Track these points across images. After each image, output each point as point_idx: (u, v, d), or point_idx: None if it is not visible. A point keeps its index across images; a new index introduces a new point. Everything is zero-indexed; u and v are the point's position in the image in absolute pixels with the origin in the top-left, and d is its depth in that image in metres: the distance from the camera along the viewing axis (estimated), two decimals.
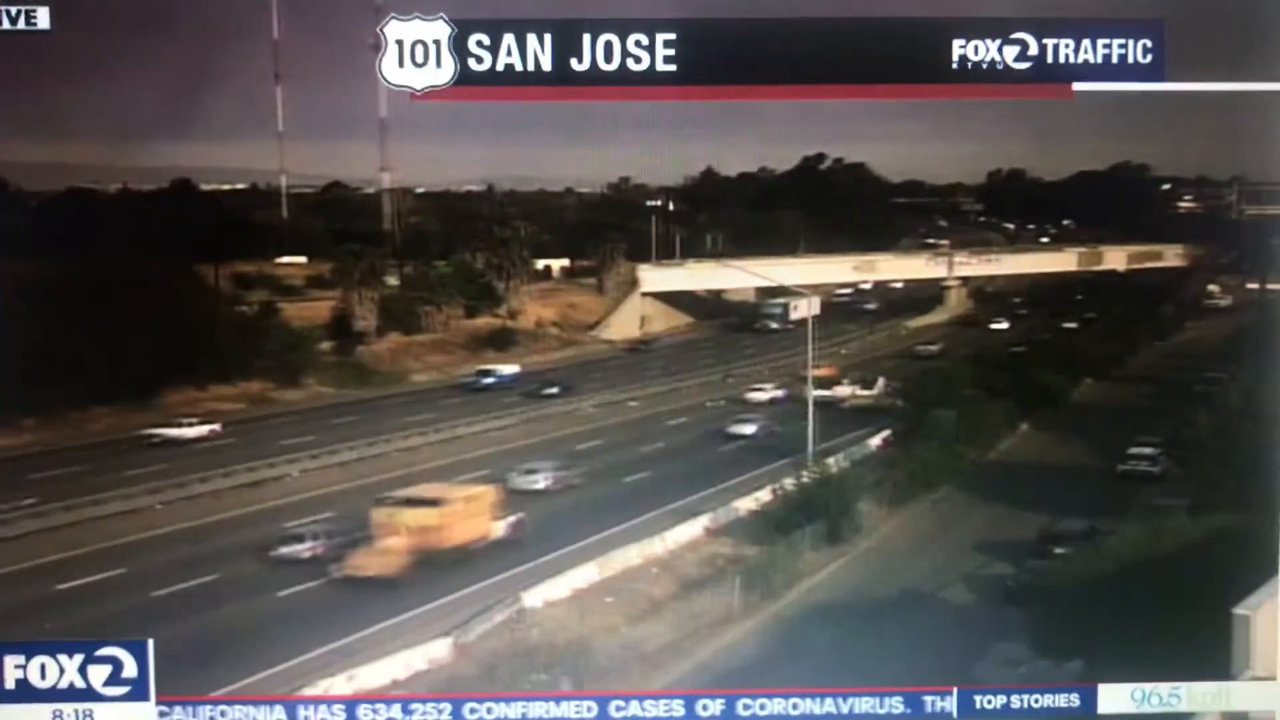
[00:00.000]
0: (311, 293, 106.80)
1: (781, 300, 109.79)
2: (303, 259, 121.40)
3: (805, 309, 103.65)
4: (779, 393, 76.17)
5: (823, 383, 69.42)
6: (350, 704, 25.20)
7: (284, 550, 46.61)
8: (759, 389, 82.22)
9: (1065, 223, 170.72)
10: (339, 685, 35.01)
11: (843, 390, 76.57)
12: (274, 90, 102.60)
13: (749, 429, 69.29)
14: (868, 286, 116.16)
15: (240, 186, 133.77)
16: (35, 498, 53.09)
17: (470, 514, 46.02)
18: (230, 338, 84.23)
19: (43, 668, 24.15)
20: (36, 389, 66.31)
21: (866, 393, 78.26)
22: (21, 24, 25.13)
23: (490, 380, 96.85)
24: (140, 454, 62.56)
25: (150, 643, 24.43)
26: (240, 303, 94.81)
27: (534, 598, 42.06)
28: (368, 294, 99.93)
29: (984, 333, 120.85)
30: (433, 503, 45.18)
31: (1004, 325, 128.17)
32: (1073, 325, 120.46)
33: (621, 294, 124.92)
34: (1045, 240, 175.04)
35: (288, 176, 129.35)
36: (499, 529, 46.06)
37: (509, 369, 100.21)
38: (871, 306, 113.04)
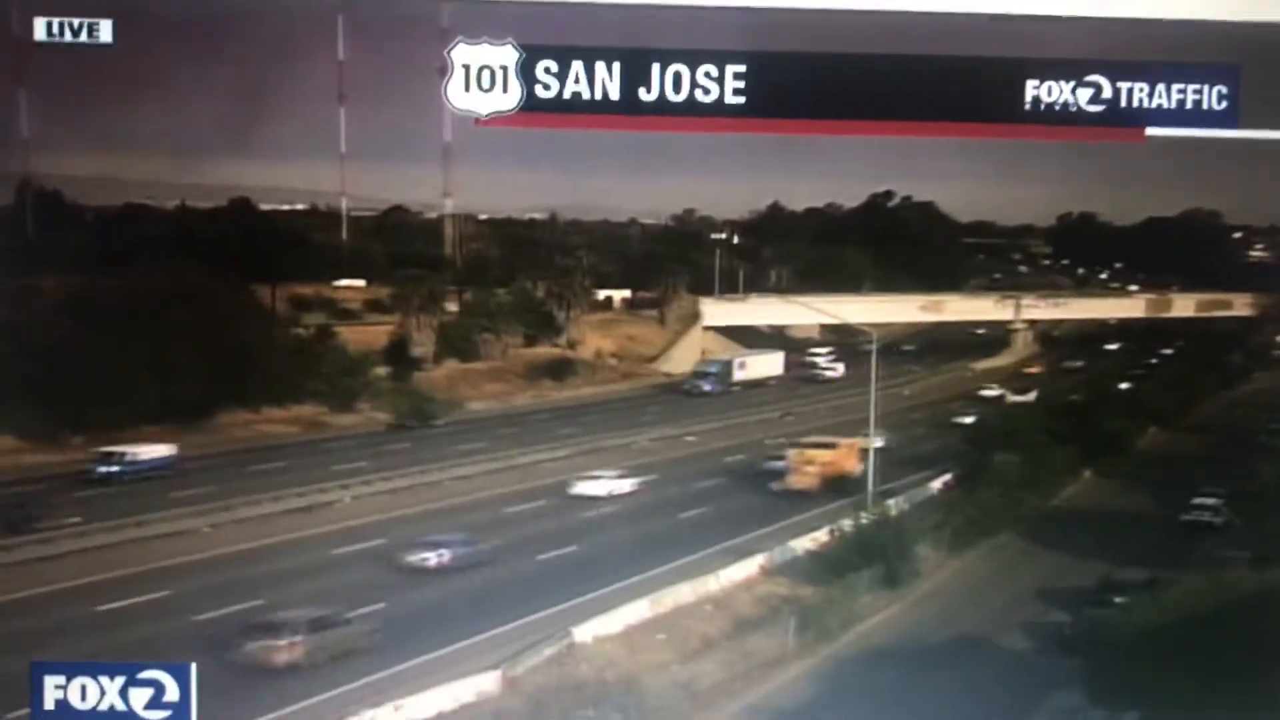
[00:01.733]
0: (369, 317, 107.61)
1: (722, 358, 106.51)
2: (361, 282, 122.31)
3: (762, 368, 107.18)
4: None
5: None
6: None
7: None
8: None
9: (1134, 269, 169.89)
10: (385, 715, 34.90)
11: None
12: (338, 111, 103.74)
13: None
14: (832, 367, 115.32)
15: (300, 207, 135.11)
16: (79, 517, 53.49)
17: (848, 455, 64.71)
18: (285, 360, 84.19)
19: (83, 689, 23.80)
20: (86, 407, 67.03)
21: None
22: (84, 37, 25.13)
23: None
24: (188, 476, 62.74)
25: (193, 667, 24.21)
26: (296, 325, 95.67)
27: (584, 632, 42.02)
28: (426, 320, 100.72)
29: (1050, 377, 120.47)
30: (831, 446, 65.13)
31: (1077, 365, 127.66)
32: (1140, 372, 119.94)
33: (683, 327, 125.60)
34: (1114, 285, 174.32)
35: (348, 199, 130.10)
36: (859, 468, 61.57)
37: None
38: (835, 374, 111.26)
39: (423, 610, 43.64)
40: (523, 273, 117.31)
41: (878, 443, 61.96)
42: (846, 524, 51.30)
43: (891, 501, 55.22)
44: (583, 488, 61.96)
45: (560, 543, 53.02)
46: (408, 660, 39.58)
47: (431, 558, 47.42)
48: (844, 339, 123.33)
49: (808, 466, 64.43)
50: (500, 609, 43.05)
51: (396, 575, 47.38)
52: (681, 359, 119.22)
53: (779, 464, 65.96)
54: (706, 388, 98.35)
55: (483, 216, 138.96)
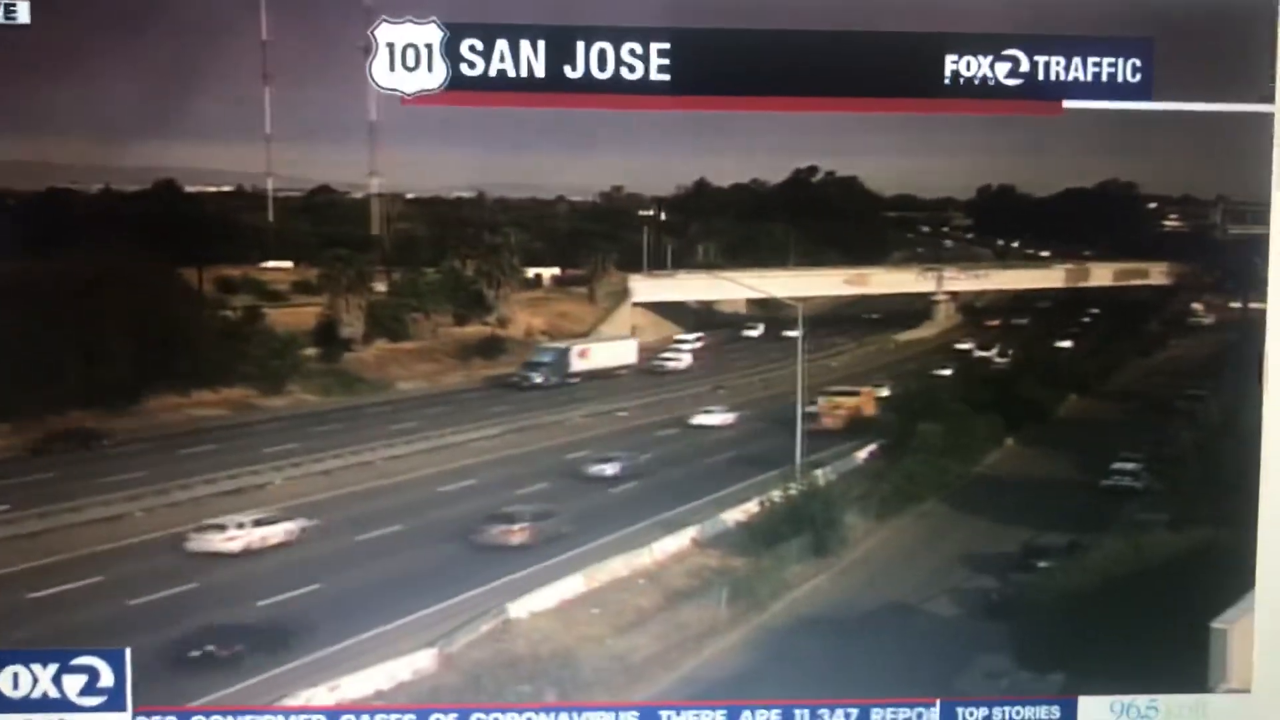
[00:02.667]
0: (297, 298, 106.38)
1: (556, 345, 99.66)
2: (289, 264, 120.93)
3: (607, 357, 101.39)
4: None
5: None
6: (332, 714, 25.01)
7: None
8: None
9: (1052, 239, 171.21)
10: (321, 696, 35.02)
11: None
12: (263, 91, 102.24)
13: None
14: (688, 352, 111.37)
15: (226, 189, 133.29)
16: (7, 504, 52.85)
17: (868, 401, 75.58)
18: (213, 343, 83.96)
19: (15, 677, 23.70)
20: (12, 392, 65.25)
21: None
22: (1, 18, 25.02)
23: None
24: (120, 460, 62.59)
25: (128, 652, 24.27)
26: (224, 307, 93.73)
27: (519, 608, 41.88)
28: (355, 300, 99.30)
29: (971, 347, 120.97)
30: (854, 394, 77.34)
31: (967, 347, 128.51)
32: (1061, 343, 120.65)
33: (612, 304, 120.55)
34: (1033, 255, 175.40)
35: (275, 179, 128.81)
36: (874, 410, 72.23)
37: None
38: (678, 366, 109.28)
39: None
40: (451, 252, 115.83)
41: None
42: (775, 495, 51.74)
43: (819, 471, 55.47)
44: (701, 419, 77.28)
45: None
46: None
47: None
48: (770, 313, 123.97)
49: (837, 410, 75.05)
50: None
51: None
52: (611, 335, 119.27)
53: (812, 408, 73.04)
54: (537, 379, 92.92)
55: (410, 196, 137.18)
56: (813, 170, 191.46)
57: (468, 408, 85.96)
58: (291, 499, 56.71)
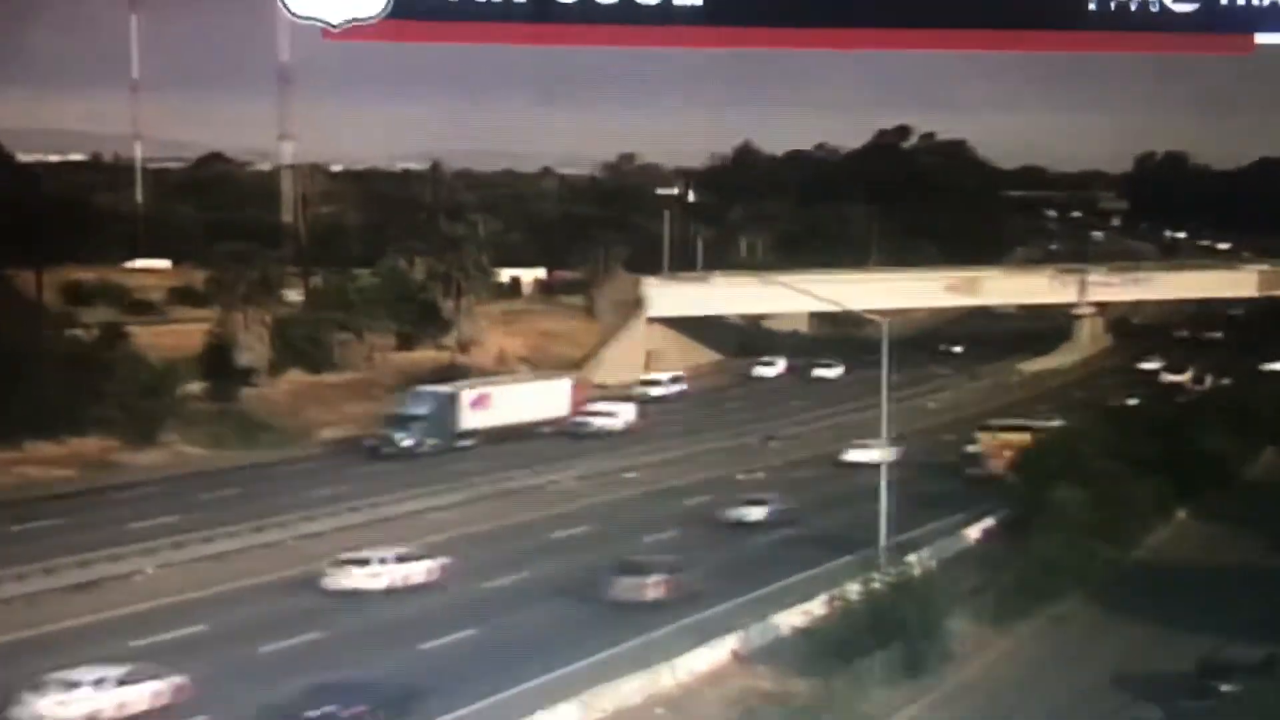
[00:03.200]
0: (176, 312, 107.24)
1: (439, 389, 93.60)
2: (165, 263, 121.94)
3: (518, 407, 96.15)
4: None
5: None
6: None
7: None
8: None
9: (1239, 229, 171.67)
10: None
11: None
12: (128, 21, 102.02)
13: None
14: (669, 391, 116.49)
15: (76, 158, 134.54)
16: None
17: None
18: (58, 375, 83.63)
19: None
20: None
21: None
22: None
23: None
24: None
25: None
26: (73, 324, 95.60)
27: None
28: (257, 315, 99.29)
29: (1126, 380, 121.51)
30: (1026, 428, 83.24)
31: (1155, 367, 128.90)
32: (1256, 372, 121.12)
33: (620, 319, 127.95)
34: (1211, 250, 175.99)
35: (144, 144, 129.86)
36: None
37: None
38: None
39: None
40: (394, 247, 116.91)
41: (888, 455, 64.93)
42: (851, 590, 51.15)
43: (913, 557, 54.58)
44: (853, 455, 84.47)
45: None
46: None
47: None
48: (843, 331, 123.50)
49: (1005, 451, 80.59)
50: None
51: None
52: (618, 363, 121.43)
53: (972, 449, 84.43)
54: (406, 442, 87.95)
55: (336, 168, 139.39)
56: (903, 132, 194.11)
57: (417, 465, 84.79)
58: (173, 594, 56.44)
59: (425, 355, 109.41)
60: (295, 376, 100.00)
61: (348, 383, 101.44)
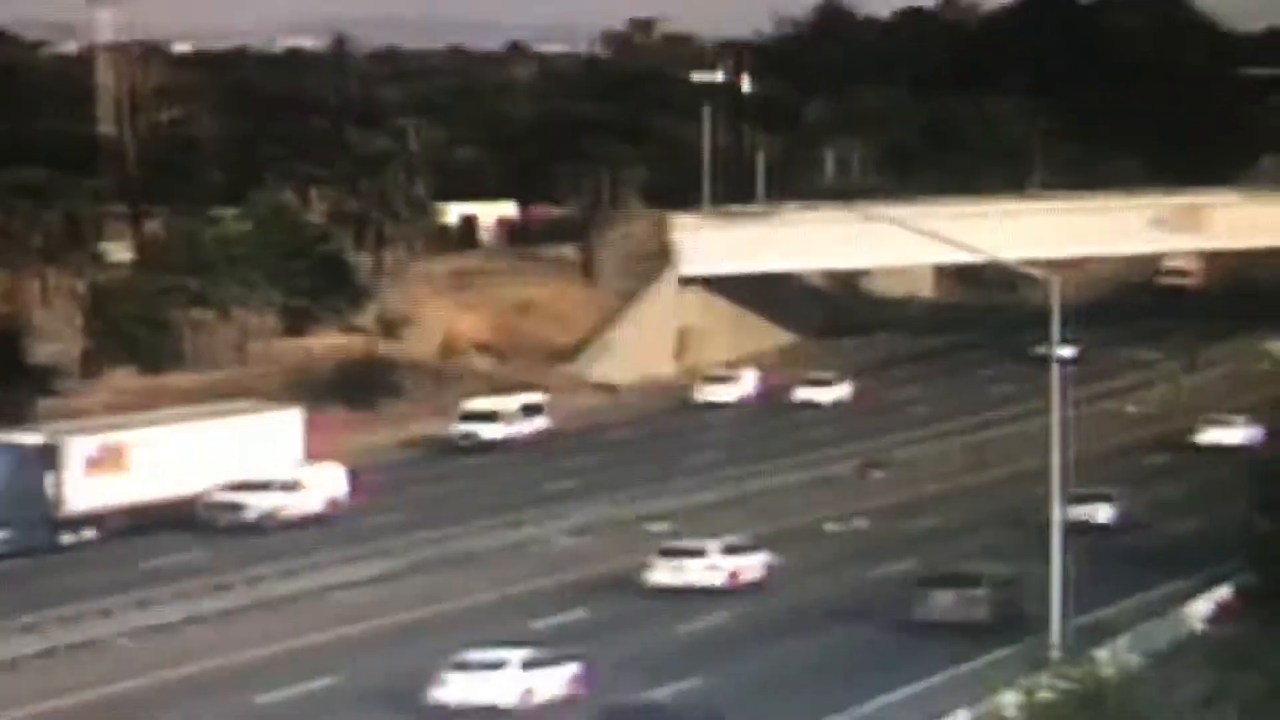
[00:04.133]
0: None
1: (10, 439, 61.60)
2: None
3: (155, 471, 61.23)
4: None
5: None
6: None
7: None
8: None
9: None
10: None
11: None
12: None
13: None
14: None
15: None
16: None
17: None
18: None
19: None
20: None
21: None
22: None
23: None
24: None
25: None
26: None
27: None
28: (64, 282, 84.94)
29: None
30: None
31: None
32: None
33: (636, 282, 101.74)
34: None
35: None
36: None
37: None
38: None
39: None
40: (276, 171, 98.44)
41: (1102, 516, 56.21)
42: (1011, 698, 35.52)
43: (1106, 650, 38.58)
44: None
45: None
46: None
47: None
48: (988, 297, 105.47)
49: None
50: None
51: None
52: (634, 351, 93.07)
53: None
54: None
55: (182, 48, 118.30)
56: None
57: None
58: None
59: (328, 342, 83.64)
60: (122, 377, 74.79)
61: (206, 385, 74.57)
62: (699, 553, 52.43)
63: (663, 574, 52.15)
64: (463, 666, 42.03)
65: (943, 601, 49.86)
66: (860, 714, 40.68)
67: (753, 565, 52.45)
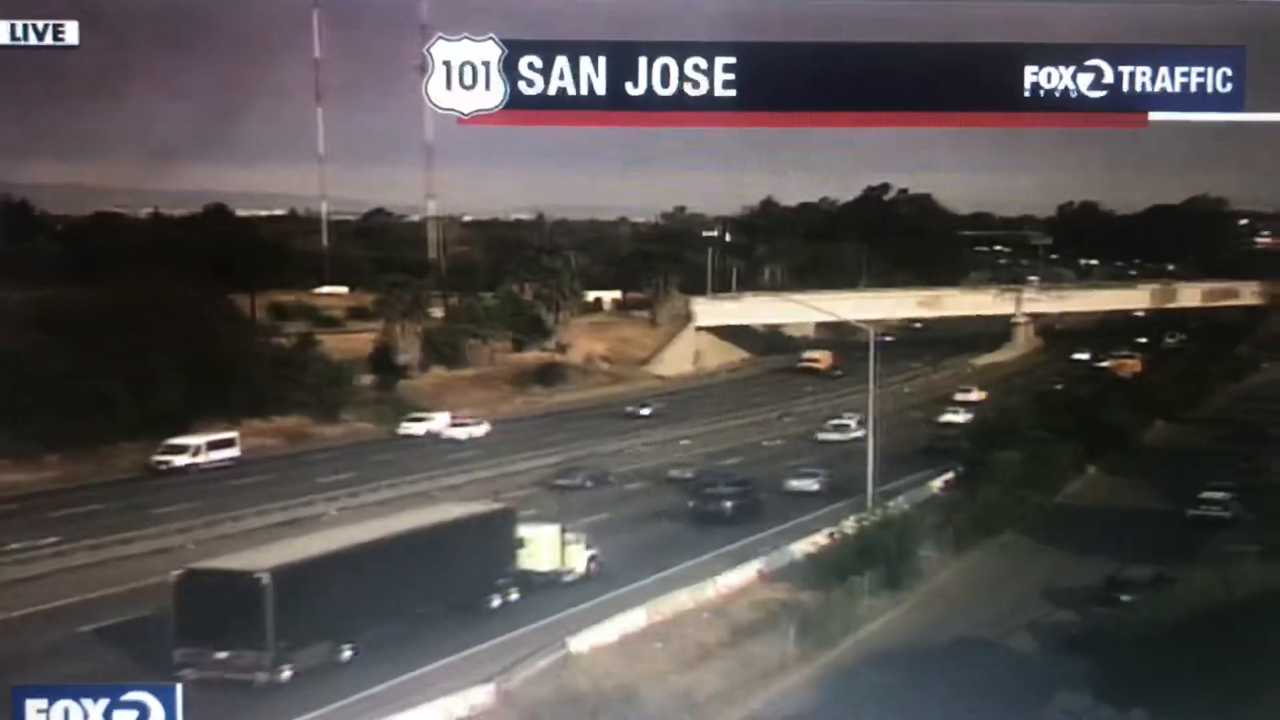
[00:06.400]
0: (352, 324, 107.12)
1: None
2: (344, 289, 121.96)
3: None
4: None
5: None
6: None
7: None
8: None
9: (1138, 258, 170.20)
10: None
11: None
12: (315, 112, 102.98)
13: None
14: None
15: (278, 213, 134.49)
16: (58, 536, 52.28)
17: None
18: (266, 371, 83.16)
19: (66, 712, 23.73)
20: (60, 422, 66.27)
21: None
22: (49, 39, 24.76)
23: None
24: (170, 491, 62.35)
25: (179, 688, 24.27)
26: (277, 334, 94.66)
27: (580, 643, 41.62)
28: (411, 326, 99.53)
29: (1051, 371, 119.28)
30: None
31: (1084, 357, 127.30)
32: (1143, 364, 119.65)
33: (675, 327, 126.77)
34: (1118, 276, 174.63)
35: (329, 202, 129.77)
36: None
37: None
38: None
39: None
40: (509, 275, 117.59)
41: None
42: (847, 526, 50.57)
43: (892, 502, 54.23)
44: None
45: None
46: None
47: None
48: (842, 337, 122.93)
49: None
50: None
51: None
52: (674, 360, 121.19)
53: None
54: None
55: (467, 218, 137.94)
56: (884, 188, 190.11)
57: (529, 432, 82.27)
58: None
59: (532, 355, 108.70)
60: (438, 371, 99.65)
61: (476, 376, 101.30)
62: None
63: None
64: None
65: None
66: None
67: None
